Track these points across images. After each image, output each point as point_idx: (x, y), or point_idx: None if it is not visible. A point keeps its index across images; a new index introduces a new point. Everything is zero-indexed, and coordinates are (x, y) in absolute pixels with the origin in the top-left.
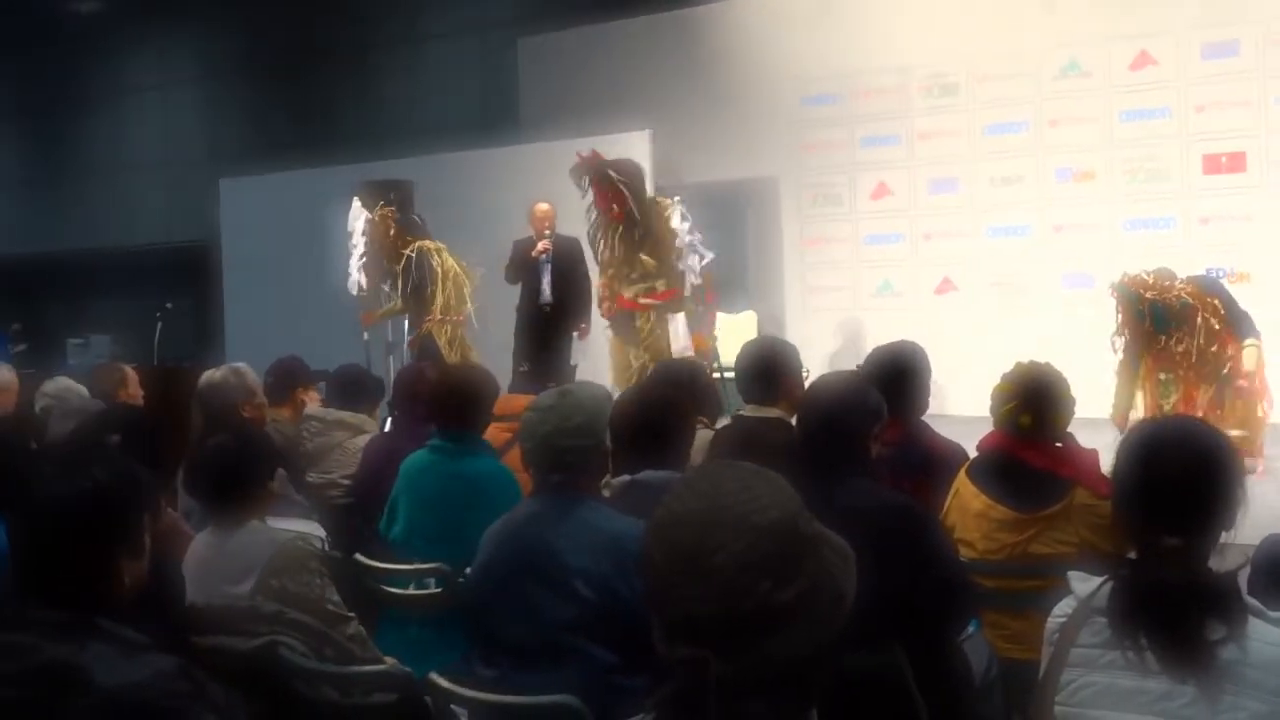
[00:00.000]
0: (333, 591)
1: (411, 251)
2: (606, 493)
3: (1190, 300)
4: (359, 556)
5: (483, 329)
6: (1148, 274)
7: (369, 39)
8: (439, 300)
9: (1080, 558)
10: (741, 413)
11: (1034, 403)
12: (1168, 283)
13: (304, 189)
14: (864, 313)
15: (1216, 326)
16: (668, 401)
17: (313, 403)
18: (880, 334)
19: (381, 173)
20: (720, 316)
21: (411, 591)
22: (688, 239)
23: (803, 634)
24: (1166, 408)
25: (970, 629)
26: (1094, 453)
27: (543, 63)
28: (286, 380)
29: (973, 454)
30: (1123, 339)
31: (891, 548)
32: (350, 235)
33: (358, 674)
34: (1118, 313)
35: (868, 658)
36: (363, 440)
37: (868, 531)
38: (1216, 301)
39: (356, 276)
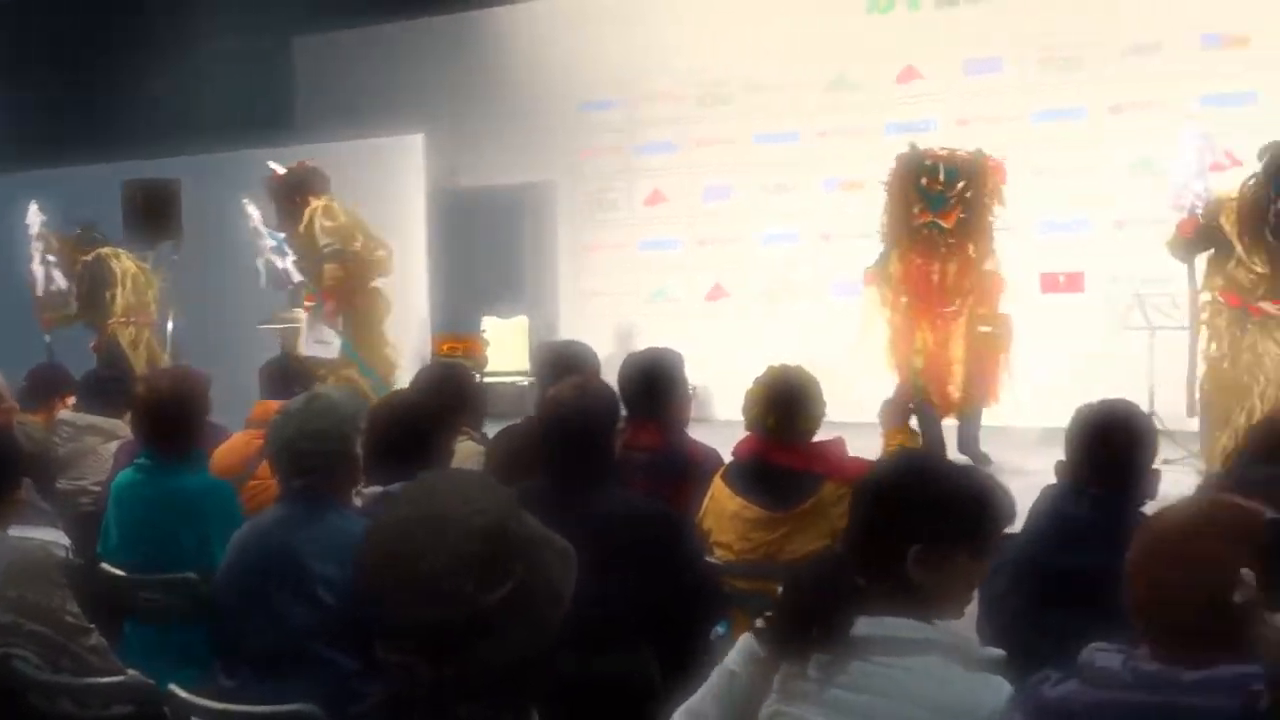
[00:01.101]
0: (72, 603)
1: (89, 258)
2: (359, 502)
3: (981, 158)
4: (105, 565)
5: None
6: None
7: (139, 35)
8: (119, 302)
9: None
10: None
11: (781, 405)
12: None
13: (70, 187)
14: (639, 318)
15: (996, 198)
16: (424, 408)
17: (67, 408)
18: (655, 340)
19: (152, 171)
20: (492, 321)
21: (155, 600)
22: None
23: (516, 636)
24: (918, 358)
25: (720, 630)
26: (840, 441)
27: (318, 63)
28: (44, 386)
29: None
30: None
31: (644, 553)
32: (29, 239)
33: (95, 686)
34: (887, 198)
35: (619, 660)
36: (115, 446)
37: (621, 538)
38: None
39: (38, 276)
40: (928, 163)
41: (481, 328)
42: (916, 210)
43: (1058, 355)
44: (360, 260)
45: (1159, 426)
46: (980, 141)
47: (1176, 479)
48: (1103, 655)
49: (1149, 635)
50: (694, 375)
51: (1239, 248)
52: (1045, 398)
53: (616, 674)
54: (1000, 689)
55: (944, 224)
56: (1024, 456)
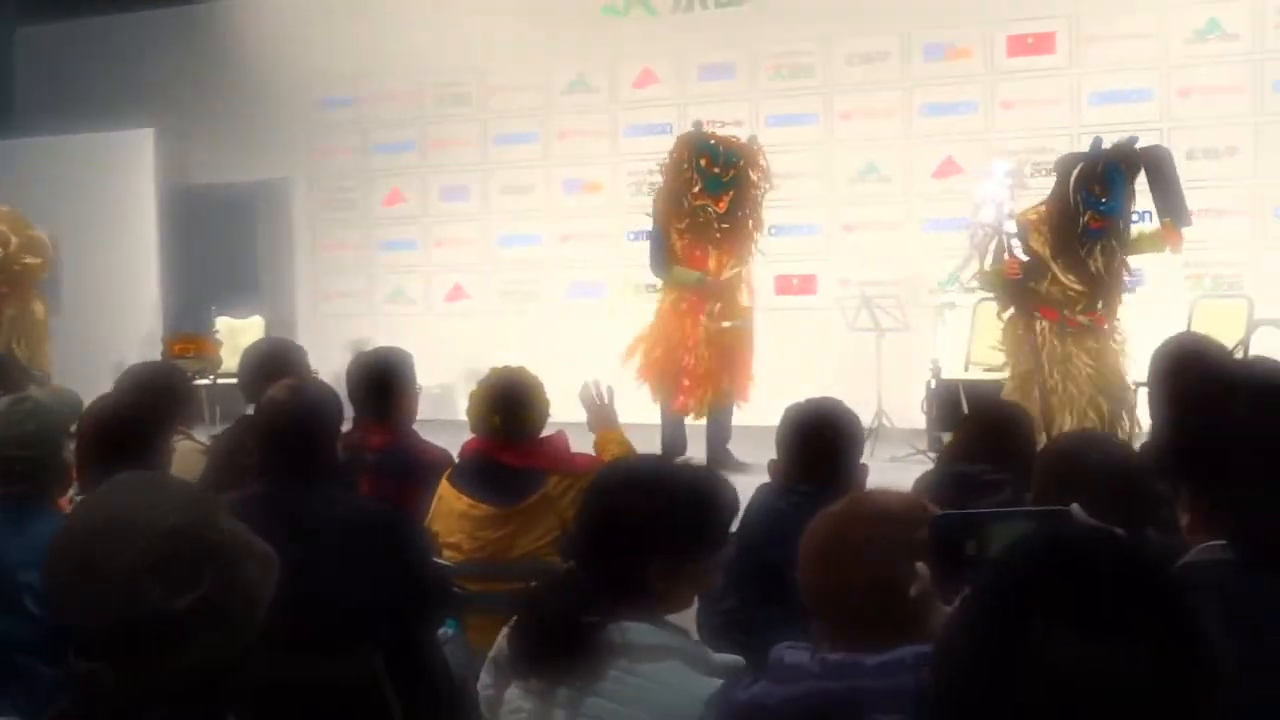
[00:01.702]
0: None
1: None
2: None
3: (754, 147)
4: None
5: None
6: None
7: None
8: None
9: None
10: None
11: (504, 404)
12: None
13: None
14: (377, 319)
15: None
16: (134, 409)
17: None
18: (392, 341)
19: None
20: (226, 321)
21: None
22: None
23: (207, 642)
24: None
25: (450, 631)
26: (562, 435)
27: (42, 54)
28: None
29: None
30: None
31: (367, 555)
32: None
33: None
34: (664, 178)
35: (342, 663)
36: None
37: (343, 540)
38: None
39: None
40: (711, 142)
41: (215, 328)
42: (696, 190)
43: (793, 356)
44: (7, 267)
45: (886, 424)
46: None
47: (908, 474)
48: (792, 652)
49: (827, 626)
50: (435, 376)
51: (1055, 268)
52: (783, 398)
53: (338, 678)
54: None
55: (716, 208)
56: (760, 456)
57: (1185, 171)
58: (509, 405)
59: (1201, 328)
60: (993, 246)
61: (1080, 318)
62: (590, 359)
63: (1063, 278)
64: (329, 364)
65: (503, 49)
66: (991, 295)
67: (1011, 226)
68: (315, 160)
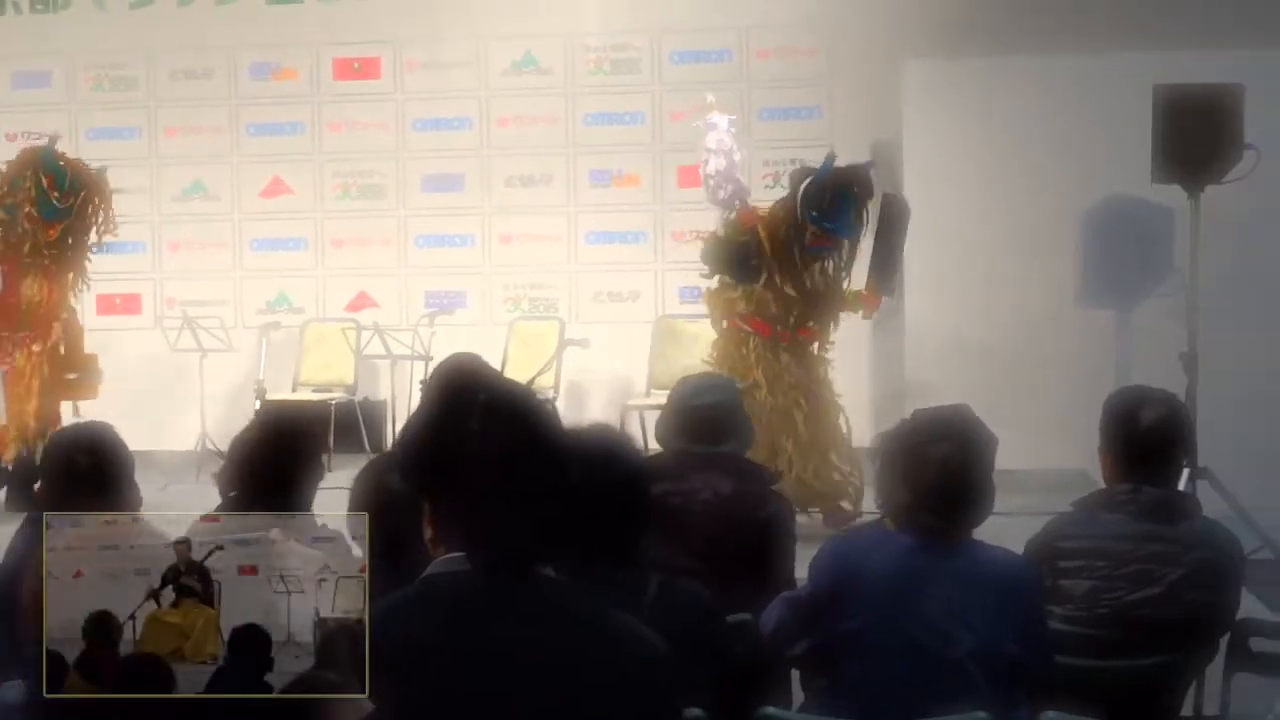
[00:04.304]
0: None
1: None
2: None
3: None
4: None
5: None
6: None
7: None
8: None
9: None
10: None
11: None
12: None
13: None
14: None
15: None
16: None
17: None
18: None
19: None
20: None
21: None
22: None
23: None
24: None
25: None
26: None
27: None
28: None
29: None
30: None
31: None
32: None
33: None
34: None
35: None
36: None
37: None
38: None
39: None
40: (60, 164)
41: None
42: (28, 210)
43: (114, 377)
44: None
45: (210, 447)
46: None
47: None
48: None
49: None
50: None
51: (775, 272)
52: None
53: None
54: None
55: (46, 235)
56: None
57: (502, 199)
58: None
59: (518, 347)
60: (726, 197)
61: (793, 333)
62: None
63: (779, 284)
64: None
65: None
66: (712, 274)
67: (740, 177)
68: None
